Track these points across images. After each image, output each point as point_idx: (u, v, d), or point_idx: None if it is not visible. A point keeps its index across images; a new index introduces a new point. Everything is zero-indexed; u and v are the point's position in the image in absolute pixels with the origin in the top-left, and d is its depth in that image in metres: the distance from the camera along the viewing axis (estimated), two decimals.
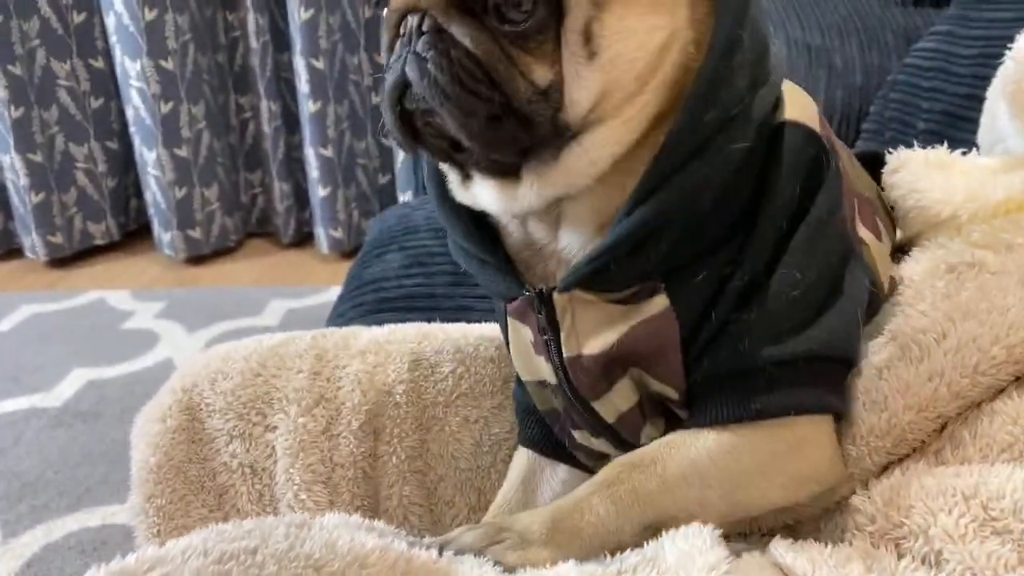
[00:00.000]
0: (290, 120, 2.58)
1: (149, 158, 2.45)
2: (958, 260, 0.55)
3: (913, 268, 0.58)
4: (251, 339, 0.72)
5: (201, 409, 0.67)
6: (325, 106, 2.42)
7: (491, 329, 0.73)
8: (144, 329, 2.19)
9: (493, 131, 0.47)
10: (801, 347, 0.49)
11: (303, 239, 2.71)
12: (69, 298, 2.36)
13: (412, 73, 0.47)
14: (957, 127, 1.25)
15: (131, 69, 2.33)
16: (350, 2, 2.41)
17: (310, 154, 2.48)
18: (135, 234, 2.74)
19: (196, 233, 2.55)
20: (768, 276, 0.49)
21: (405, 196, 2.48)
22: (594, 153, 0.49)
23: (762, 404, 0.49)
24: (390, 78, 0.48)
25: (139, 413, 0.70)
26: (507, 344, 0.60)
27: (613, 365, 0.53)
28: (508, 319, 0.58)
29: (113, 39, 2.33)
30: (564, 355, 0.54)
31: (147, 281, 2.50)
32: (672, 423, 0.54)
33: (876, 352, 0.52)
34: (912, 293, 0.56)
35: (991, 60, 1.18)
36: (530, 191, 0.50)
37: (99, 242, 2.63)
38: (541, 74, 0.47)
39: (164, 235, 2.54)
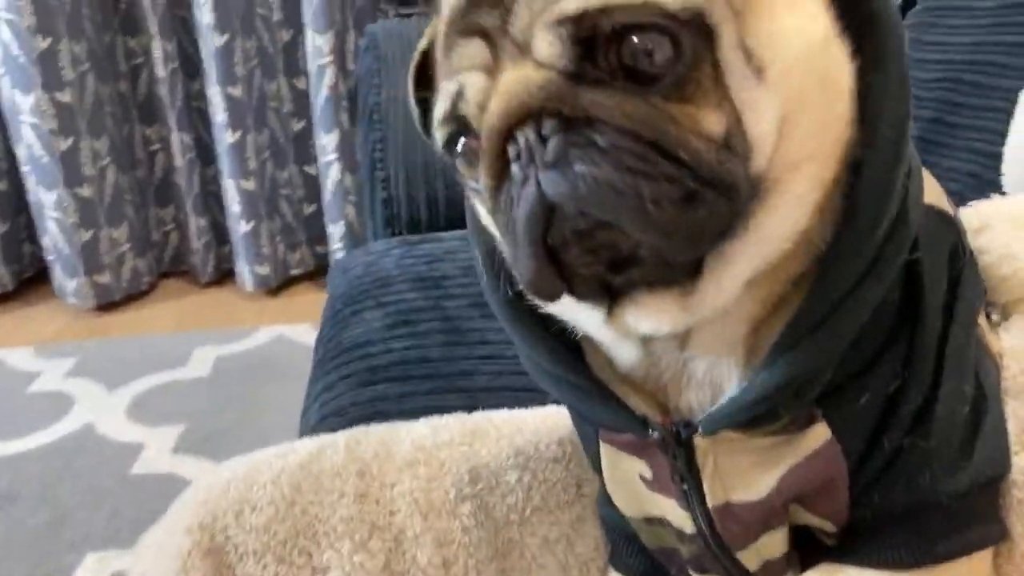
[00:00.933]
0: (204, 151, 2.40)
1: (48, 199, 2.23)
2: None
3: (1018, 340, 0.54)
4: (271, 453, 0.62)
5: (228, 552, 0.56)
6: (244, 136, 2.27)
7: (541, 418, 0.65)
8: (55, 392, 1.98)
9: (692, 215, 0.36)
10: (977, 475, 0.44)
11: (223, 277, 2.54)
12: None
13: (558, 190, 0.36)
14: (929, 151, 1.26)
15: (23, 103, 2.11)
16: (266, 26, 2.27)
17: (230, 187, 2.32)
18: (31, 282, 2.49)
19: (105, 278, 2.34)
20: (935, 390, 0.44)
21: (336, 227, 2.37)
22: (791, 206, 0.39)
23: (945, 547, 0.44)
24: (522, 213, 0.37)
25: (144, 558, 0.57)
26: (593, 465, 0.52)
27: (774, 511, 0.46)
28: (602, 445, 0.50)
29: (0, 71, 2.10)
30: (709, 504, 0.47)
31: (51, 335, 2.27)
32: (808, 550, 0.48)
33: (1016, 452, 0.48)
34: (1020, 370, 0.53)
35: (953, 84, 1.20)
36: (715, 287, 0.40)
37: None
38: (712, 122, 0.37)
39: (68, 282, 2.32)
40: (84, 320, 2.34)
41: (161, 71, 2.25)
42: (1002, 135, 0.91)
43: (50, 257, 2.32)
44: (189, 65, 2.30)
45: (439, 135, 0.42)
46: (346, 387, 0.94)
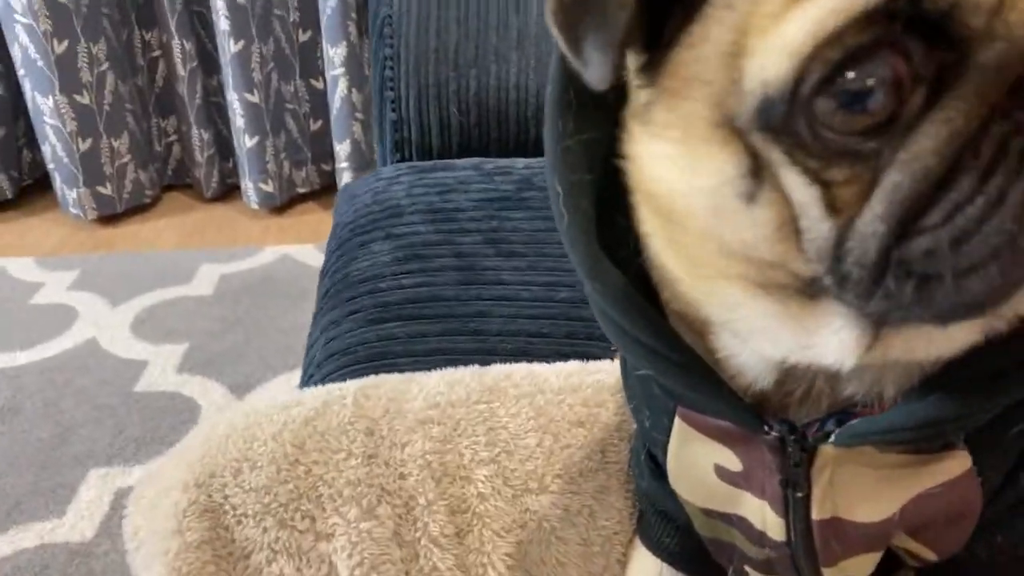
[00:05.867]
0: (207, 60, 2.30)
1: (45, 106, 2.14)
2: None
3: None
4: (274, 405, 0.58)
5: (227, 512, 0.52)
6: (248, 46, 2.17)
7: (564, 375, 0.61)
8: (58, 304, 1.95)
9: None
10: None
11: (227, 192, 2.48)
12: None
13: None
14: None
15: (15, 2, 2.00)
16: None
17: (233, 99, 2.23)
18: (32, 191, 2.43)
19: (107, 189, 2.28)
20: None
21: (342, 145, 2.28)
22: None
23: None
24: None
25: (138, 513, 0.54)
26: (651, 438, 0.47)
27: (885, 535, 0.41)
28: (677, 422, 0.45)
29: None
30: (814, 516, 0.41)
31: (53, 246, 2.22)
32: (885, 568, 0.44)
33: None
34: None
35: None
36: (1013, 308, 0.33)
37: None
38: None
39: (69, 193, 2.26)
40: (86, 232, 2.29)
41: None
42: None
43: (50, 166, 2.25)
44: None
45: (827, 47, 0.27)
46: (353, 324, 0.89)
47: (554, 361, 0.80)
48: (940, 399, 0.35)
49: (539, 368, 0.64)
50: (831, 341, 0.35)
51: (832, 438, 0.39)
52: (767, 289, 0.34)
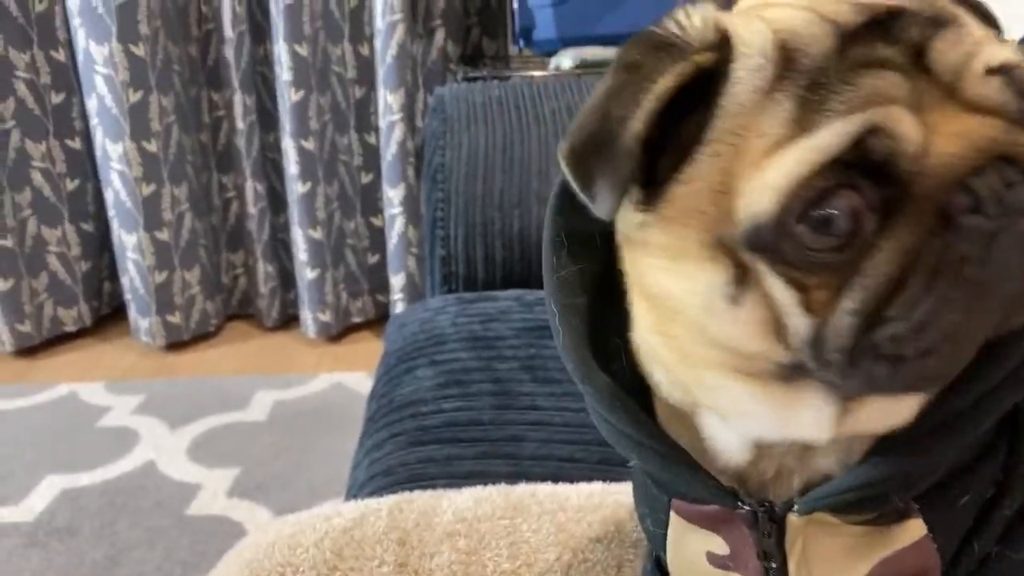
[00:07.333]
0: (276, 200, 2.50)
1: (129, 242, 2.34)
2: None
3: None
4: (316, 515, 0.63)
5: None
6: (315, 187, 2.36)
7: (586, 495, 0.64)
8: (121, 427, 2.05)
9: None
10: None
11: (287, 322, 2.61)
12: (38, 392, 2.21)
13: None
14: None
15: (112, 152, 2.24)
16: (340, 83, 2.37)
17: (298, 235, 2.39)
18: (108, 319, 2.60)
19: (175, 318, 2.43)
20: None
21: (397, 277, 2.41)
22: None
23: None
24: (1003, 267, 0.34)
25: None
26: (655, 539, 0.51)
27: None
28: (672, 516, 0.49)
29: (94, 121, 2.24)
30: None
31: (123, 371, 2.36)
32: None
33: None
34: None
35: None
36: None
37: (70, 329, 2.49)
38: None
39: (142, 321, 2.41)
40: (153, 358, 2.42)
41: (240, 124, 2.36)
42: None
43: (127, 296, 2.42)
44: (266, 118, 2.41)
45: (802, 188, 0.34)
46: (395, 446, 0.94)
47: None
48: (879, 461, 0.40)
49: (562, 488, 0.68)
50: (807, 417, 0.40)
51: (796, 507, 0.43)
52: (749, 374, 0.40)
